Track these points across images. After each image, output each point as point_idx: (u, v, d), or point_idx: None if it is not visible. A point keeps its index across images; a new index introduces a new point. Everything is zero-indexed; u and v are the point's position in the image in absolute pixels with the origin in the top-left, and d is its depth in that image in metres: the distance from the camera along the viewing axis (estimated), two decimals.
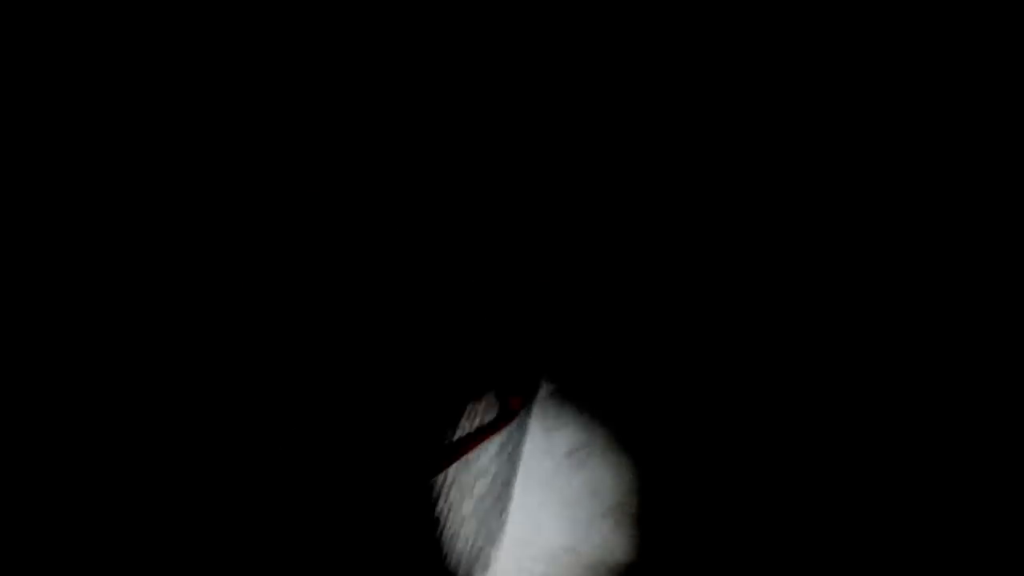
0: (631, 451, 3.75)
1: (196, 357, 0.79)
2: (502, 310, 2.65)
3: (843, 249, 3.66)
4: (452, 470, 2.31)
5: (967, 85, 2.37)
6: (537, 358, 4.00)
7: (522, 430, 3.86)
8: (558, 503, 3.62)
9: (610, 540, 3.52)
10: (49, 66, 0.59)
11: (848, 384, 3.66)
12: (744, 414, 3.74)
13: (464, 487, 2.56)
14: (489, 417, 2.59)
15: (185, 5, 0.74)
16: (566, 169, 3.52)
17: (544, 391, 4.00)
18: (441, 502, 2.14)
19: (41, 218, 0.59)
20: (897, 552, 3.33)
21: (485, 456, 3.01)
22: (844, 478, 3.52)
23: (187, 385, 0.78)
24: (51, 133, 0.60)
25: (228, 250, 0.83)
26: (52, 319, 0.61)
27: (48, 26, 0.59)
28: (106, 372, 0.67)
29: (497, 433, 2.58)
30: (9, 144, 0.56)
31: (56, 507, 0.63)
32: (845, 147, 2.92)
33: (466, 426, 2.25)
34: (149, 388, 0.72)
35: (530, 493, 3.67)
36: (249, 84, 0.83)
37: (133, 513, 0.72)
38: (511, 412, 2.89)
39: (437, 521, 2.10)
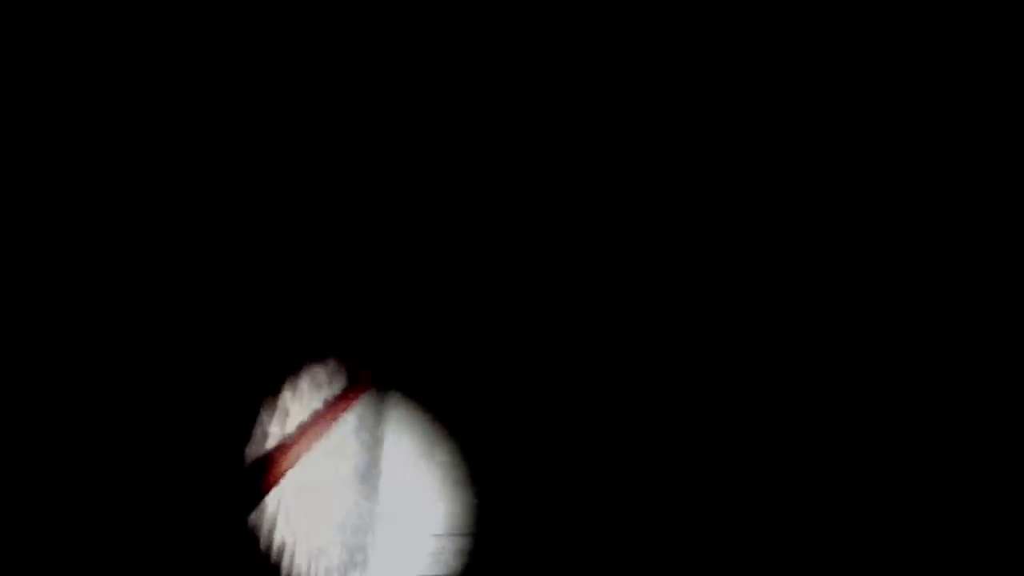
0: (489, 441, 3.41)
1: None
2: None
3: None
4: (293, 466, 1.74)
5: (967, 85, 2.32)
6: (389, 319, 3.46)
7: (382, 402, 3.35)
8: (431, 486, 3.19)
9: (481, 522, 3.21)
10: (49, 66, 0.59)
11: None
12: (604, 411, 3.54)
13: (318, 481, 2.00)
14: (326, 394, 2.03)
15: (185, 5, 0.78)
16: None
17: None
18: (279, 518, 1.57)
19: None
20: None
21: (339, 435, 2.46)
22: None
23: None
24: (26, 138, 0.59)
25: None
26: None
27: (48, 26, 0.59)
28: None
29: (344, 409, 2.04)
30: (7, 144, 0.57)
31: None
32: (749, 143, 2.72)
33: (292, 413, 1.68)
34: None
35: (402, 471, 3.20)
36: None
37: None
38: (358, 381, 2.35)
39: (274, 545, 1.54)
